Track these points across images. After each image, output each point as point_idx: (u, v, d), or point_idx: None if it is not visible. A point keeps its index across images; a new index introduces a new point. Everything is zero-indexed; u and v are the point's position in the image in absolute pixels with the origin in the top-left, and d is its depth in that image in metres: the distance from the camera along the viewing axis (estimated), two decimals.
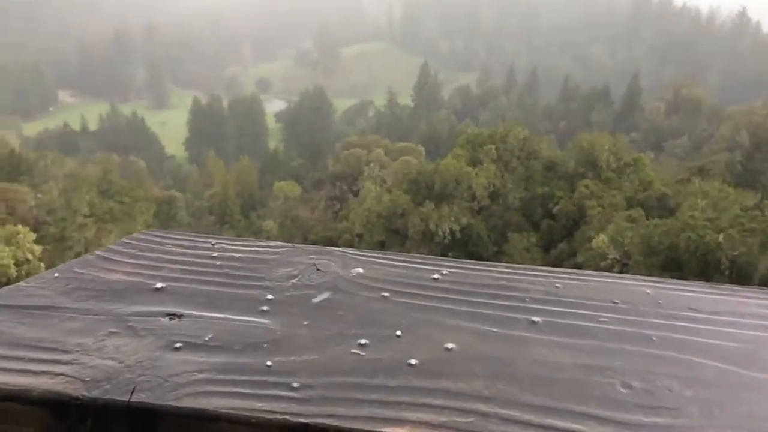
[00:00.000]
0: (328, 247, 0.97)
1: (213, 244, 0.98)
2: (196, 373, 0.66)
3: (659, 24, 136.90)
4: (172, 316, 0.78)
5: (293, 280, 0.86)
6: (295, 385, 0.64)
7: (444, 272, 0.87)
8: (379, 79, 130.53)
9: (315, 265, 0.90)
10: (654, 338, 0.71)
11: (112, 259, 0.93)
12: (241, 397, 0.63)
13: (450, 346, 0.70)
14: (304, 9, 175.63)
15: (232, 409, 0.61)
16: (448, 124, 78.73)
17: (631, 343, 0.70)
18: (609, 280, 0.86)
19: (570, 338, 0.72)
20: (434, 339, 0.71)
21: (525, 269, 0.89)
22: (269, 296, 0.82)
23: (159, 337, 0.73)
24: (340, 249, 0.96)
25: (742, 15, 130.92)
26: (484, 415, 0.58)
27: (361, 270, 0.89)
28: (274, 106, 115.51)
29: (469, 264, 0.90)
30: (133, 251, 0.96)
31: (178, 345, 0.71)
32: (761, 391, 0.62)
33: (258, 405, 0.62)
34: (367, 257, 0.93)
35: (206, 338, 0.73)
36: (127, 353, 0.70)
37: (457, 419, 0.58)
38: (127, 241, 1.00)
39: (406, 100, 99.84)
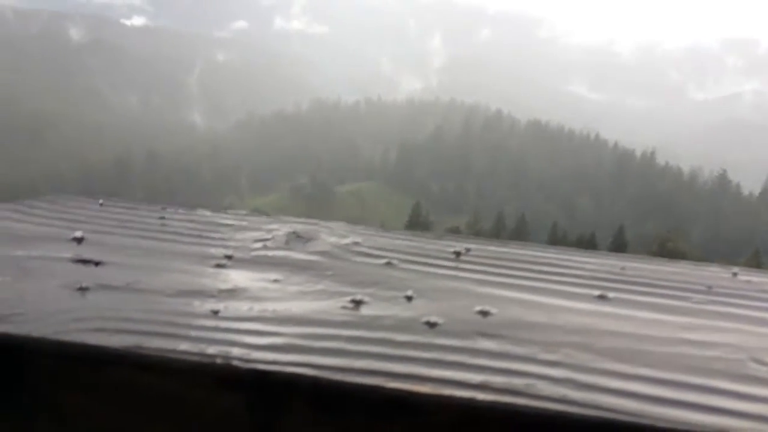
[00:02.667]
0: (314, 220, 0.83)
1: (164, 208, 0.87)
2: (104, 311, 0.55)
3: (643, 180, 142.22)
4: (87, 262, 0.67)
5: (264, 243, 0.75)
6: (253, 328, 0.53)
7: (468, 247, 0.77)
8: (372, 216, 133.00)
9: (295, 232, 0.78)
10: None
11: (23, 212, 0.83)
12: (166, 338, 0.51)
13: (486, 309, 0.59)
14: (301, 147, 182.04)
15: (148, 349, 0.49)
16: None
17: (747, 324, 0.59)
18: (690, 266, 0.76)
19: (658, 314, 0.61)
20: (462, 303, 0.61)
21: (573, 251, 0.79)
22: (229, 253, 0.71)
23: (60, 278, 0.62)
24: (330, 221, 0.83)
25: (723, 176, 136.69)
26: (551, 379, 0.48)
27: (358, 239, 0.77)
28: None
29: (497, 243, 0.79)
30: (56, 207, 0.86)
31: (85, 285, 0.60)
32: None
33: (189, 347, 0.50)
34: (365, 231, 0.81)
35: (128, 281, 0.62)
36: (2, 288, 0.60)
37: (509, 380, 0.47)
38: (52, 198, 0.89)
39: None
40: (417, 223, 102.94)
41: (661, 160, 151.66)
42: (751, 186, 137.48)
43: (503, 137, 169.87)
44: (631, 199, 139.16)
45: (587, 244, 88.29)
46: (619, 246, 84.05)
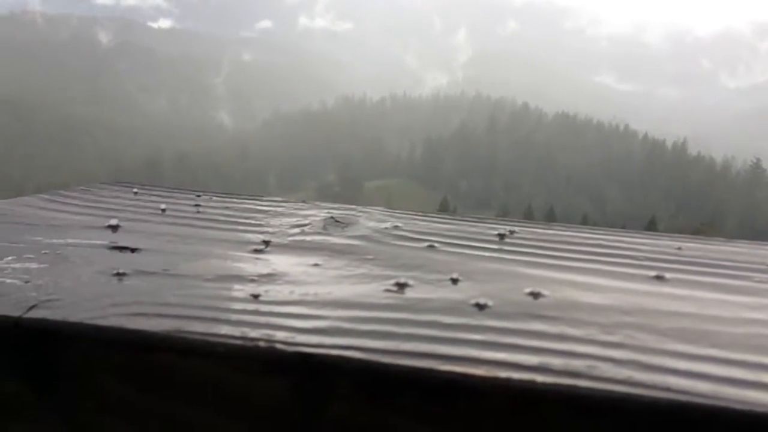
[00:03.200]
0: (352, 205, 0.82)
1: (198, 195, 0.88)
2: (142, 296, 0.54)
3: (674, 171, 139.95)
4: (123, 248, 0.67)
5: (301, 228, 0.74)
6: (295, 312, 0.52)
7: (511, 229, 0.75)
8: None
9: (333, 217, 0.78)
10: None
11: (58, 201, 0.84)
12: (206, 322, 0.50)
13: (537, 290, 0.57)
14: (328, 144, 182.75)
15: (188, 332, 0.48)
16: None
17: None
18: (748, 245, 0.73)
19: (720, 294, 0.58)
20: (511, 285, 0.59)
21: (624, 232, 0.76)
22: (267, 238, 0.71)
23: (97, 264, 0.62)
24: (368, 206, 0.82)
25: (757, 166, 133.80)
26: (614, 360, 0.45)
27: (398, 223, 0.76)
28: None
29: (542, 224, 0.78)
30: (90, 195, 0.87)
31: (122, 271, 0.60)
32: None
33: (230, 330, 0.48)
34: (404, 215, 0.80)
35: (165, 267, 0.61)
36: (38, 274, 0.59)
37: (569, 362, 0.45)
38: (85, 188, 0.90)
39: None
40: None
41: (692, 150, 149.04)
42: None
43: (530, 131, 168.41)
44: (663, 190, 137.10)
45: None
46: None
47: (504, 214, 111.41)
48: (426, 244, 0.69)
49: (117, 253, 0.65)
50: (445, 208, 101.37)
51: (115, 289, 0.56)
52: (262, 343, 0.46)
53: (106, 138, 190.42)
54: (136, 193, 0.88)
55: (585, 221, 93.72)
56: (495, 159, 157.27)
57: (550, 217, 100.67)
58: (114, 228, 0.73)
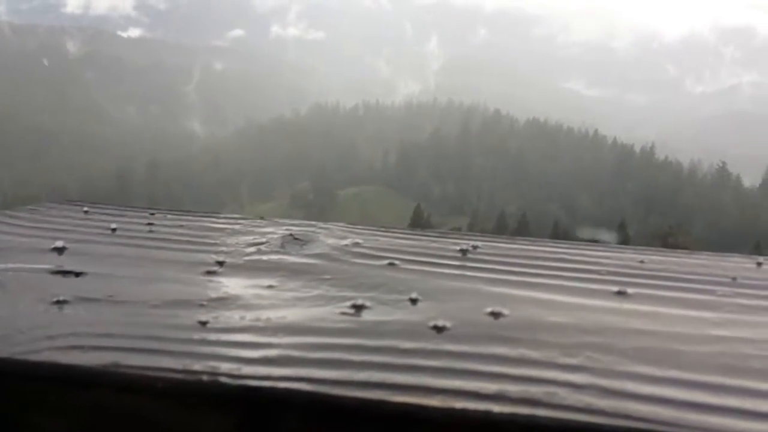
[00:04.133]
0: (312, 221, 0.80)
1: (152, 214, 0.84)
2: (80, 326, 0.51)
3: (643, 176, 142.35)
4: (67, 273, 0.63)
5: (258, 247, 0.72)
6: (244, 340, 0.49)
7: (474, 245, 0.74)
8: (373, 219, 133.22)
9: (291, 234, 0.75)
10: None
11: (2, 222, 0.80)
12: (147, 354, 0.47)
13: (498, 310, 0.56)
14: (301, 152, 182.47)
15: (126, 366, 0.45)
16: None
17: None
18: (711, 256, 0.72)
19: (683, 310, 0.57)
20: (471, 304, 0.57)
21: (587, 245, 0.76)
22: (221, 258, 0.68)
23: (36, 291, 0.58)
24: (328, 222, 0.80)
25: (723, 169, 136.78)
26: (574, 386, 0.43)
27: (358, 240, 0.75)
28: None
29: (505, 239, 0.76)
30: (37, 216, 0.83)
31: (62, 298, 0.57)
32: None
33: (172, 363, 0.45)
34: (365, 231, 0.78)
35: (109, 293, 0.58)
36: None
37: (527, 388, 0.43)
38: (33, 207, 0.86)
39: None
40: (418, 225, 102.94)
41: (660, 154, 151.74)
42: (751, 178, 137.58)
43: (502, 137, 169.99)
44: (632, 195, 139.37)
45: (589, 240, 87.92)
46: (621, 242, 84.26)
47: (477, 221, 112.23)
48: (386, 261, 0.68)
49: (60, 278, 0.62)
50: (418, 215, 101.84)
51: (52, 319, 0.53)
52: (205, 377, 0.43)
53: (76, 148, 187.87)
54: (86, 212, 0.84)
55: (557, 226, 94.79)
56: (468, 165, 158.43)
57: (523, 223, 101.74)
58: (60, 250, 0.70)
